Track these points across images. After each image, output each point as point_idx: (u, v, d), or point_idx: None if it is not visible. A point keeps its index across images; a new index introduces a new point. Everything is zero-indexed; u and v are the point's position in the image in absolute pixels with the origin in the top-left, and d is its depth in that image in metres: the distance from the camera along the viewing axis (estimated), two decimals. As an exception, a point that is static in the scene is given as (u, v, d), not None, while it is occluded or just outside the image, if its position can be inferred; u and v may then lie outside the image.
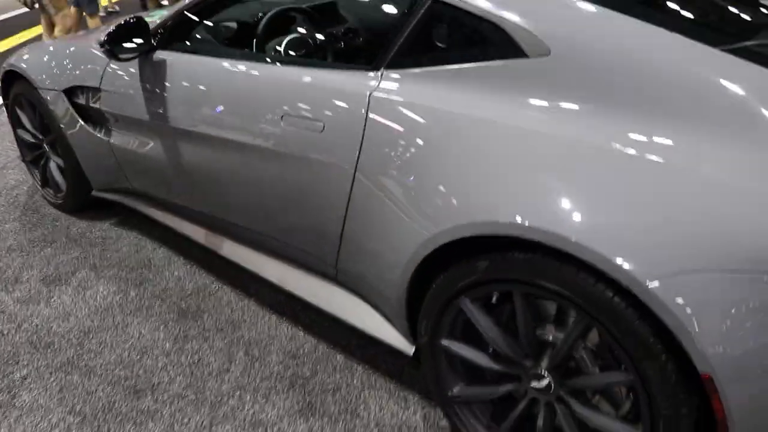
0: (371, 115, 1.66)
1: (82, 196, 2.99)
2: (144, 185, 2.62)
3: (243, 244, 2.33)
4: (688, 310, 1.17)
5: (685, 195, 1.23)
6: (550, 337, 1.51)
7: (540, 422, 1.53)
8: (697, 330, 1.17)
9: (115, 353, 2.19)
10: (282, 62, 1.98)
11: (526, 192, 1.35)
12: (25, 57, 2.88)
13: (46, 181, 3.17)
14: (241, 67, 2.00)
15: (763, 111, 1.24)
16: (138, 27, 2.15)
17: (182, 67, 2.16)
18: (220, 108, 2.01)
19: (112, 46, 2.13)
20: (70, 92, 2.67)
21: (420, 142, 1.57)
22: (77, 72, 2.61)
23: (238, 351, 2.17)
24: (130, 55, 2.18)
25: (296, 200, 1.91)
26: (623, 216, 1.25)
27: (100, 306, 2.44)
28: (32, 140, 3.12)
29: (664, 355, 1.25)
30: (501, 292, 1.51)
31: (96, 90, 2.52)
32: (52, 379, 2.08)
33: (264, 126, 1.89)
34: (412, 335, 1.79)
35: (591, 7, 1.48)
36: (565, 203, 1.30)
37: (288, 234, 2.05)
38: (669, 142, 1.29)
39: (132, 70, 2.32)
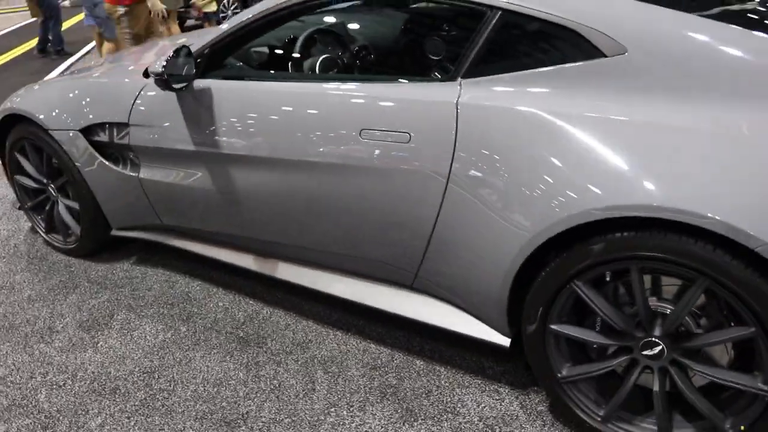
0: (462, 123, 1.75)
1: (99, 238, 2.90)
2: (179, 218, 2.58)
3: (303, 265, 2.34)
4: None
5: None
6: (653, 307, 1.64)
7: (656, 387, 1.65)
8: None
9: (189, 389, 2.15)
10: (350, 79, 2.04)
11: (647, 175, 1.47)
12: (29, 99, 2.77)
13: (52, 226, 3.05)
14: (305, 87, 2.05)
15: None
16: (187, 57, 2.15)
17: (233, 92, 2.17)
18: (286, 130, 2.04)
19: (169, 76, 2.11)
20: (88, 131, 2.59)
21: (516, 143, 1.68)
22: (97, 110, 2.55)
23: (316, 370, 2.18)
24: (183, 84, 2.17)
25: (378, 213, 1.96)
26: (735, 186, 1.40)
27: (154, 345, 2.38)
28: (35, 186, 2.99)
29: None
30: (613, 271, 1.63)
31: (123, 125, 2.47)
32: (132, 423, 2.02)
33: (340, 142, 1.94)
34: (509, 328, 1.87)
35: (653, 7, 1.65)
36: (684, 182, 1.44)
37: (364, 248, 2.09)
38: (752, 118, 1.46)
39: (169, 101, 2.30)
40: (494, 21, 1.78)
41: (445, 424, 1.92)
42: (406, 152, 1.84)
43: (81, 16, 8.04)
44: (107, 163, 2.60)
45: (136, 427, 2.00)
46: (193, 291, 2.70)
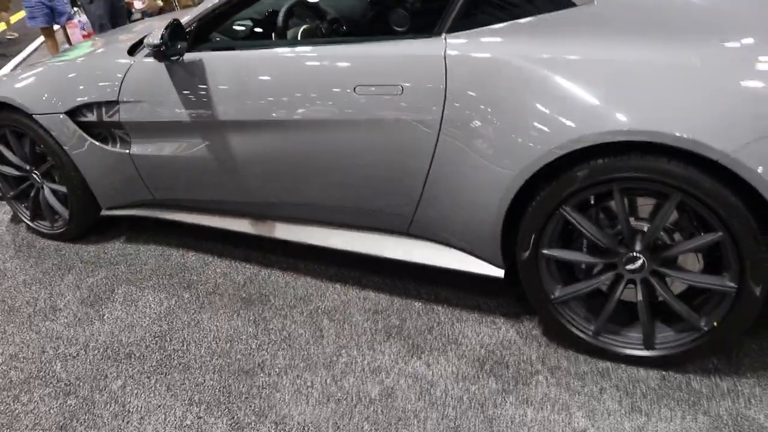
0: (450, 73, 1.90)
1: (89, 219, 2.94)
2: (173, 191, 2.65)
3: (300, 223, 2.46)
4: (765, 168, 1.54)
5: (733, 85, 1.59)
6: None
7: (639, 297, 1.85)
8: None
9: (203, 347, 2.25)
10: (339, 41, 2.16)
11: (618, 105, 1.65)
12: (9, 86, 2.78)
13: (37, 213, 3.07)
14: (296, 51, 2.16)
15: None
16: (179, 29, 2.23)
17: (225, 61, 2.26)
18: (283, 92, 2.15)
19: (166, 48, 2.19)
20: (74, 113, 2.63)
21: (501, 89, 1.83)
22: (83, 90, 2.58)
23: (321, 319, 2.32)
24: (178, 57, 2.25)
25: (375, 164, 2.10)
26: (698, 109, 1.60)
27: (159, 312, 2.46)
28: (18, 173, 3.00)
29: (747, 212, 1.61)
30: (596, 195, 1.82)
31: (112, 104, 2.52)
32: (152, 381, 2.11)
33: (335, 99, 2.06)
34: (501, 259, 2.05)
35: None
36: (651, 107, 1.62)
37: (362, 199, 2.22)
38: (706, 51, 1.64)
39: (160, 75, 2.37)
40: (472, -22, 1.93)
41: (450, 354, 2.09)
42: (400, 104, 1.97)
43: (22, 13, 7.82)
44: (96, 143, 2.65)
45: (157, 385, 2.10)
46: (189, 261, 2.78)
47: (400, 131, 2.01)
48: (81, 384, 2.14)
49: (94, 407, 2.03)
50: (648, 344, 1.89)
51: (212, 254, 2.81)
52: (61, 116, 2.64)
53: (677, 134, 1.57)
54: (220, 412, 1.96)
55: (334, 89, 2.06)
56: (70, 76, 2.66)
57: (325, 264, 2.63)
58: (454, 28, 1.95)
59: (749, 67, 1.58)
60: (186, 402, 2.02)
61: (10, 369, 2.25)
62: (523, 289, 2.04)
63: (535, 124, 1.77)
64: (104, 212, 2.89)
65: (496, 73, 1.85)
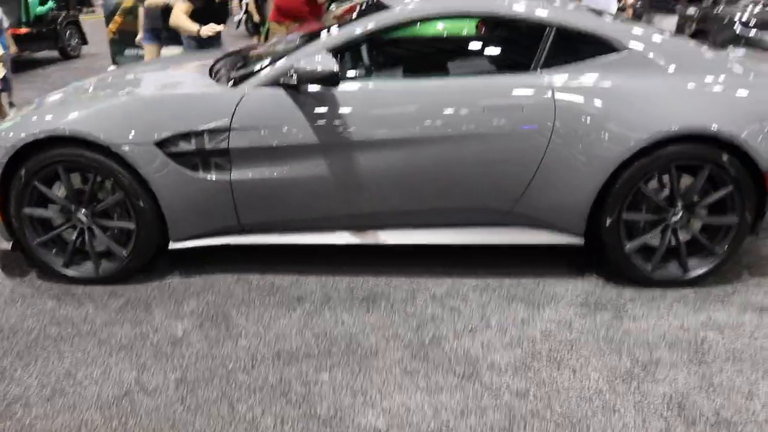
0: (557, 96, 2.69)
1: (150, 255, 2.85)
2: (268, 213, 2.81)
3: (400, 228, 2.90)
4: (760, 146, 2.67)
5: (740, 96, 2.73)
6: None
7: (681, 238, 2.82)
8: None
9: (372, 337, 2.52)
10: (464, 74, 2.78)
11: (679, 109, 2.65)
12: (76, 117, 2.64)
13: (72, 259, 2.82)
14: (424, 81, 2.74)
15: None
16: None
17: (360, 90, 2.70)
18: (420, 114, 2.67)
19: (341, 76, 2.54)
20: (163, 143, 2.65)
21: (595, 103, 2.69)
22: (182, 121, 2.64)
23: (446, 301, 2.77)
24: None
25: (493, 167, 2.73)
26: (717, 111, 2.68)
27: (293, 322, 2.61)
28: (50, 215, 2.77)
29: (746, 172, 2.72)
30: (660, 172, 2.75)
31: (221, 131, 2.65)
32: (356, 368, 2.33)
33: (466, 117, 2.67)
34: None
35: (632, 24, 2.90)
36: (693, 112, 2.66)
37: (471, 199, 2.81)
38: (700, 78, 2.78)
39: (285, 101, 2.65)
40: (552, 33, 2.79)
41: (562, 303, 2.77)
42: (521, 119, 2.68)
43: None
44: (190, 172, 2.69)
45: (362, 368, 2.33)
46: (277, 282, 2.92)
47: (519, 139, 2.71)
48: (294, 388, 2.24)
49: (311, 398, 2.19)
50: (686, 270, 2.87)
51: (292, 273, 2.99)
52: (148, 148, 2.64)
53: (718, 128, 2.61)
54: (438, 372, 2.31)
55: (465, 109, 2.68)
56: (157, 107, 2.69)
57: (397, 265, 3.05)
58: (545, 66, 2.78)
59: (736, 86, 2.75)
60: (400, 374, 2.30)
61: (191, 390, 2.20)
62: (570, 256, 2.89)
63: (626, 126, 2.65)
64: (173, 245, 2.84)
65: (588, 93, 2.70)
